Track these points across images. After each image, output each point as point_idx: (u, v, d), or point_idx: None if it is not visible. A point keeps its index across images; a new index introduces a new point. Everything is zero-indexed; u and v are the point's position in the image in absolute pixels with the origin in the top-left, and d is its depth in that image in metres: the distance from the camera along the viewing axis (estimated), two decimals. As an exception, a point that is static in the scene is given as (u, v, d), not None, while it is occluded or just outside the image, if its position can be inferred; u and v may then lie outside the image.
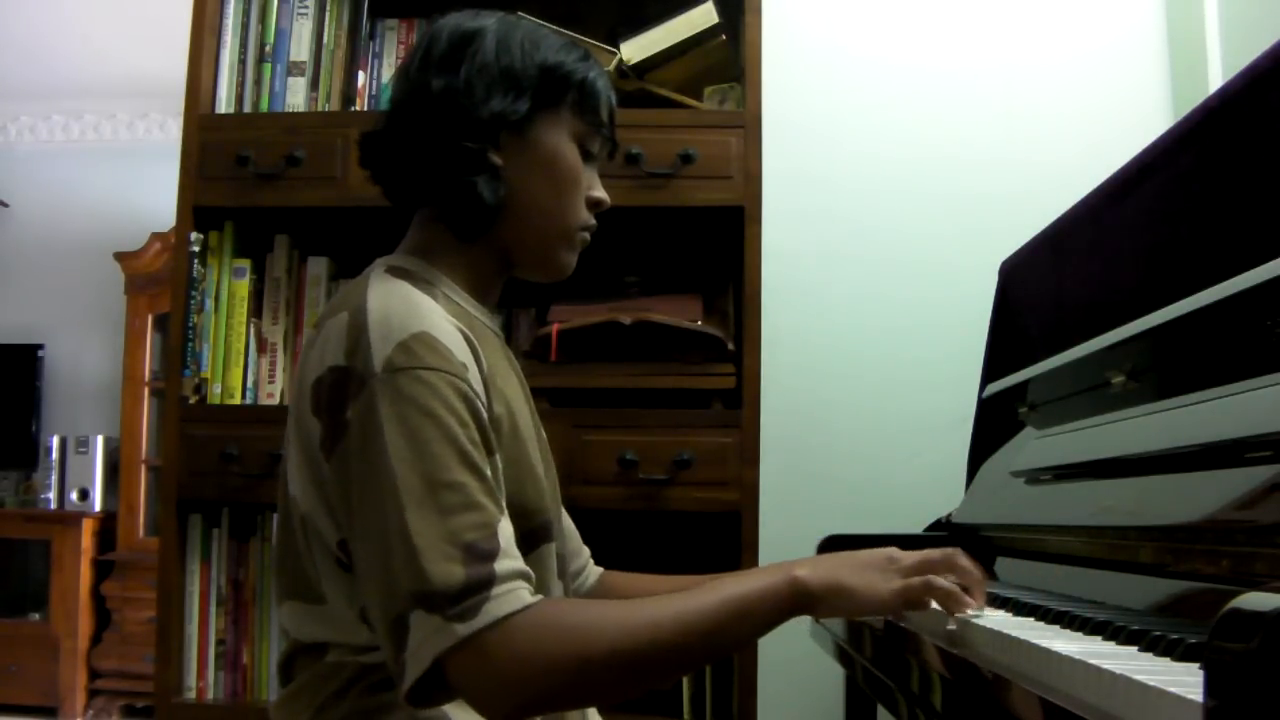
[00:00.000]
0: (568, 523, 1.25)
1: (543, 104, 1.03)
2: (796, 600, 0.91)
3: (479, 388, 0.93)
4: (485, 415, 0.92)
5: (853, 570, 0.94)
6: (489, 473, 0.89)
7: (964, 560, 0.97)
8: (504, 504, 0.89)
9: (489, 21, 1.04)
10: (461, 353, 0.92)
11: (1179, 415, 1.08)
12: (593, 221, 1.09)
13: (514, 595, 0.82)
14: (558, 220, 1.05)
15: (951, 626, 0.93)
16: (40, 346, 4.21)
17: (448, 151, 1.00)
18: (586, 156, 1.06)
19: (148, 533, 3.82)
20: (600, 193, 1.08)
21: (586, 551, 1.28)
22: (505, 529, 0.86)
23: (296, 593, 0.96)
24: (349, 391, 0.88)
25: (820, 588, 0.92)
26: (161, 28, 2.59)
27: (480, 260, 1.06)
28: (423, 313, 0.92)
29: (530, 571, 0.87)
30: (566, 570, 1.14)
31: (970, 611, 0.94)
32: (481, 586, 0.81)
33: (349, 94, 1.95)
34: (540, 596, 0.85)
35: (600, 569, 1.28)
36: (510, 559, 0.85)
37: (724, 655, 0.93)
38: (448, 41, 1.03)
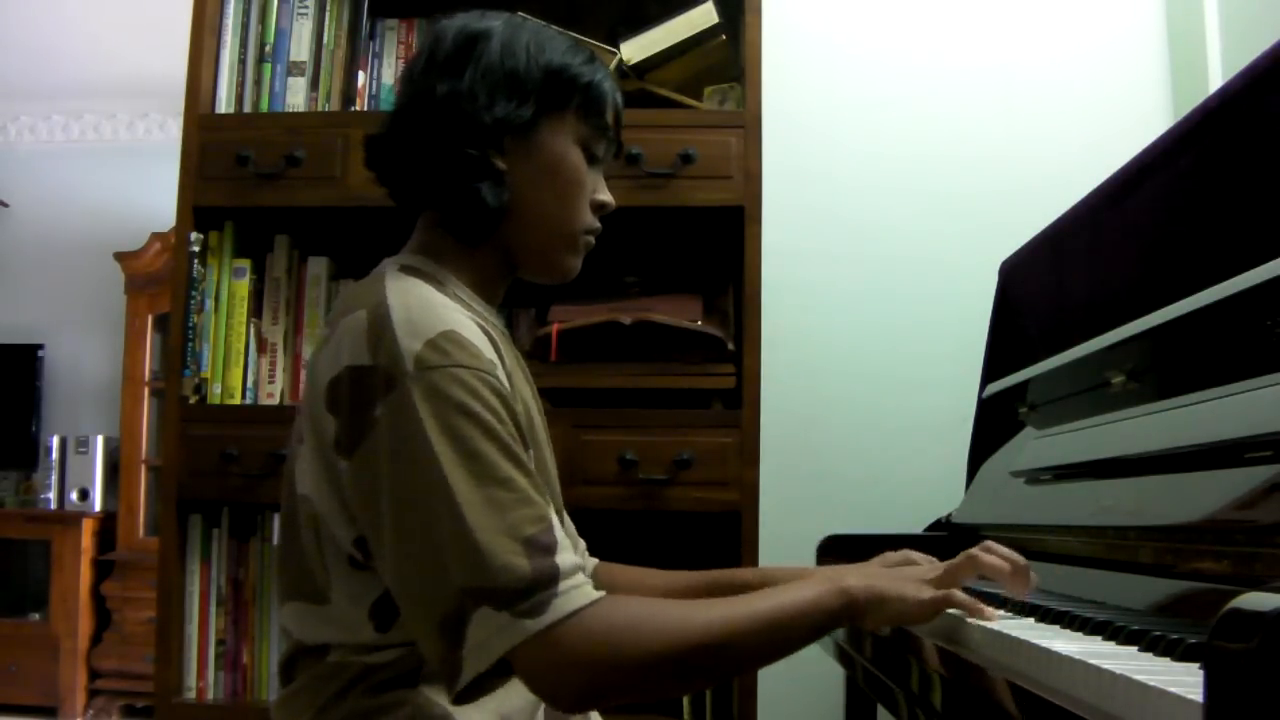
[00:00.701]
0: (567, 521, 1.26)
1: (548, 108, 1.02)
2: (845, 609, 0.94)
3: (506, 383, 0.93)
4: (516, 410, 0.92)
5: (890, 580, 0.97)
6: (531, 466, 0.90)
7: (988, 558, 1.00)
8: (548, 496, 0.90)
9: (495, 23, 1.04)
10: (488, 350, 0.92)
11: (1179, 415, 1.08)
12: (597, 224, 1.08)
13: (580, 591, 0.84)
14: (561, 224, 1.05)
15: (970, 621, 0.95)
16: (40, 346, 4.21)
17: (451, 157, 1.00)
18: (591, 160, 1.06)
19: (148, 533, 3.82)
20: (605, 196, 1.08)
21: (582, 544, 1.28)
22: (555, 520, 0.88)
23: (300, 593, 0.96)
24: (375, 390, 0.88)
25: (864, 597, 0.94)
26: (161, 28, 2.59)
27: (485, 262, 1.06)
28: (445, 311, 0.92)
29: (585, 564, 0.88)
30: None
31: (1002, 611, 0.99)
32: (548, 582, 0.83)
33: (349, 94, 1.94)
34: (603, 593, 0.87)
35: (595, 560, 1.28)
36: (568, 552, 0.86)
37: (777, 659, 0.98)
38: (452, 43, 1.02)
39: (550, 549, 0.84)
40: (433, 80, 1.01)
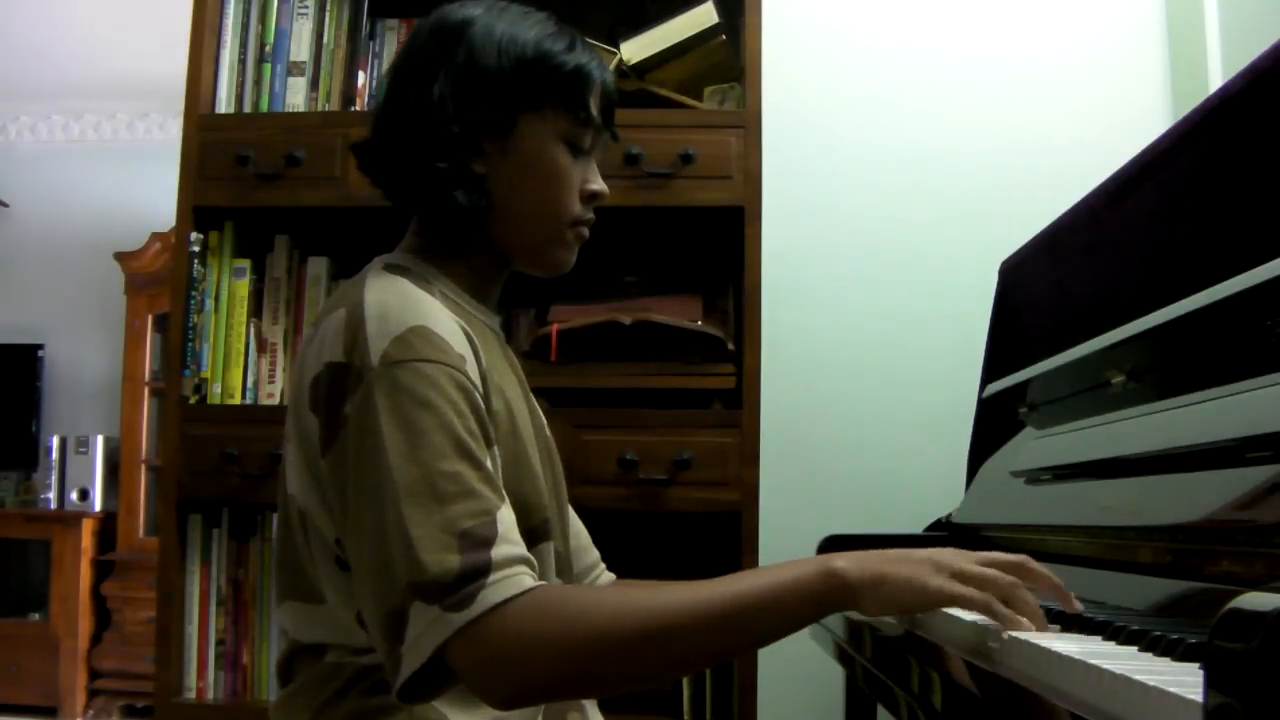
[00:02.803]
0: (577, 522, 1.24)
1: (523, 105, 1.00)
2: (831, 593, 0.84)
3: (477, 380, 0.92)
4: (483, 407, 0.91)
5: (896, 563, 0.86)
6: (487, 463, 0.88)
7: (1031, 577, 0.88)
8: (504, 494, 0.88)
9: (475, 12, 1.01)
10: (460, 345, 0.91)
11: (1179, 415, 1.08)
12: (589, 215, 1.05)
13: (511, 581, 0.81)
14: (546, 221, 1.03)
15: (994, 644, 0.85)
16: (40, 346, 4.21)
17: (423, 167, 0.99)
18: (577, 151, 1.03)
19: (148, 533, 3.82)
20: (597, 185, 1.05)
21: (596, 553, 1.27)
22: (505, 516, 0.85)
23: (296, 593, 0.96)
24: (347, 387, 0.88)
25: (859, 579, 0.84)
26: (161, 28, 2.60)
27: (477, 262, 1.05)
28: (420, 307, 0.92)
29: (532, 557, 0.85)
30: (569, 569, 1.13)
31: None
32: (478, 574, 0.80)
33: (349, 94, 1.94)
34: (542, 582, 0.84)
35: (613, 575, 1.26)
36: (509, 544, 0.83)
37: (746, 649, 0.86)
38: (425, 44, 1.01)
39: (487, 542, 0.81)
40: (406, 87, 1.00)
